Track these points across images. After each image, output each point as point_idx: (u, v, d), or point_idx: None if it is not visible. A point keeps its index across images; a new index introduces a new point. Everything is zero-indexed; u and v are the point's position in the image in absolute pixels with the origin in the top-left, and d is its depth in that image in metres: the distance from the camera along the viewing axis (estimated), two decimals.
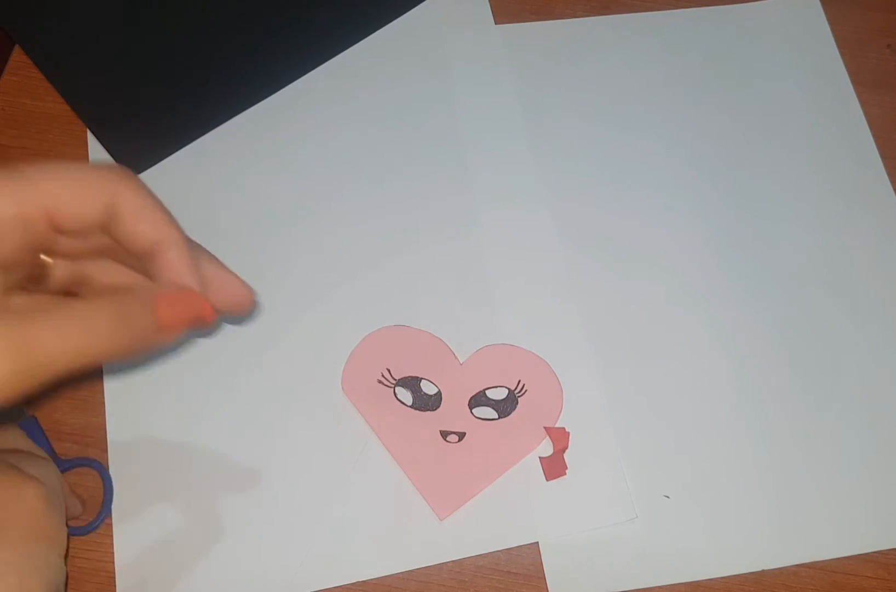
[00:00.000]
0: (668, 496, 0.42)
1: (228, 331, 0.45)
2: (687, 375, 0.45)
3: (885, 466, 0.43)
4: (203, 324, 0.27)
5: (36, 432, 0.42)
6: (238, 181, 0.49)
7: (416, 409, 0.43)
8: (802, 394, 0.44)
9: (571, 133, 0.50)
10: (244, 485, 0.42)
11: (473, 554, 0.41)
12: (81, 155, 0.49)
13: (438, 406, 0.43)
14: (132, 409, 0.43)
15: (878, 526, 0.42)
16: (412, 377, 0.44)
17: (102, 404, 0.43)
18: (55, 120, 0.50)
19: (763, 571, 0.41)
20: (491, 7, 0.53)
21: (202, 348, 0.45)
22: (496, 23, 0.53)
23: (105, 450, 0.43)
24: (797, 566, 0.41)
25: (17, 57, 0.52)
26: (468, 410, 0.43)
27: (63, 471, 0.41)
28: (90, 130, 0.45)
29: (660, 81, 0.52)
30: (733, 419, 0.44)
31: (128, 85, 0.43)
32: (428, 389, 0.44)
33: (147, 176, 0.48)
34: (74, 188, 0.25)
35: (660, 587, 0.41)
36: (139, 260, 0.28)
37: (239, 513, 0.41)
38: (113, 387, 0.44)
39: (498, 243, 0.47)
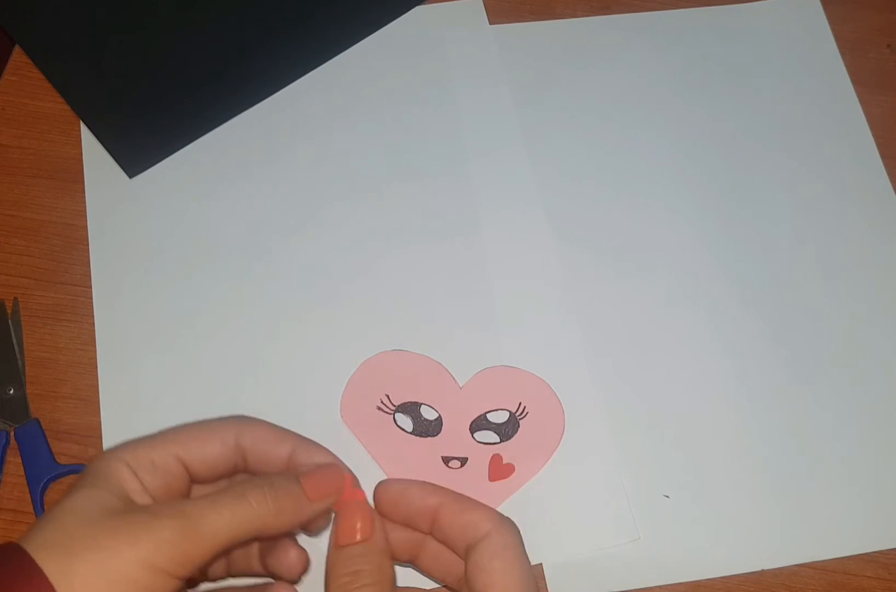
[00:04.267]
0: (668, 496, 0.42)
1: (225, 353, 0.44)
2: (687, 376, 0.45)
3: (885, 466, 0.43)
4: (341, 493, 0.32)
5: (36, 433, 0.42)
6: (229, 189, 0.48)
7: (416, 435, 0.42)
8: (802, 394, 0.44)
9: (570, 134, 0.50)
10: None
11: None
12: (79, 155, 0.49)
13: (439, 432, 0.42)
14: (128, 410, 0.43)
15: (878, 526, 0.42)
16: (412, 403, 0.43)
17: None
18: (55, 120, 0.50)
19: (763, 571, 0.41)
20: (487, 7, 0.53)
21: (202, 364, 0.44)
22: (491, 23, 0.53)
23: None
24: (797, 566, 0.41)
25: (17, 57, 0.51)
26: (469, 434, 0.42)
27: (61, 476, 0.41)
28: (91, 130, 0.45)
29: (659, 81, 0.52)
30: (733, 419, 0.44)
31: (128, 85, 0.43)
32: (428, 414, 0.43)
33: (147, 176, 0.48)
34: (199, 436, 0.31)
35: (660, 587, 0.41)
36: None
37: None
38: (108, 390, 0.43)
39: (496, 262, 0.47)
